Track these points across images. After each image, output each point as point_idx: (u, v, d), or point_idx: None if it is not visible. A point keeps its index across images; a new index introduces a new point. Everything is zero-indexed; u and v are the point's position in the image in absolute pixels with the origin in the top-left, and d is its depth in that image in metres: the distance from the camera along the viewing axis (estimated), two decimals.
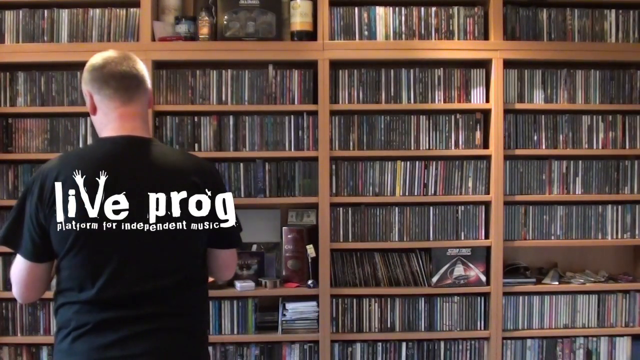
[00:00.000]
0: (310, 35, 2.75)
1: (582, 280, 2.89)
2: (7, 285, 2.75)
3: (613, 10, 2.85)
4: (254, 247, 2.88)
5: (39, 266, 1.52)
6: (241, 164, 2.79)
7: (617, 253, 3.06)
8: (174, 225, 1.48)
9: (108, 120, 1.55)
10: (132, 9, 2.74)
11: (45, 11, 2.74)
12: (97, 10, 2.75)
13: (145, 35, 2.71)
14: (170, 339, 1.48)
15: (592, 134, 2.87)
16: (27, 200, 1.49)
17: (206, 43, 2.73)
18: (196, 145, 2.77)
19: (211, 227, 1.54)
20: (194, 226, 1.51)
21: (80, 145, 2.74)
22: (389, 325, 2.81)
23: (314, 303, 2.75)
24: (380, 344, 2.80)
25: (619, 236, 2.88)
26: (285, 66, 2.80)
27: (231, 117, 2.77)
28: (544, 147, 2.85)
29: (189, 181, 1.50)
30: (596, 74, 2.86)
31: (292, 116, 2.78)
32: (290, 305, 2.75)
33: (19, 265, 1.54)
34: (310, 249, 2.74)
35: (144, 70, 1.59)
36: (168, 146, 1.65)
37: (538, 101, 2.85)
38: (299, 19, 2.74)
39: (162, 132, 2.75)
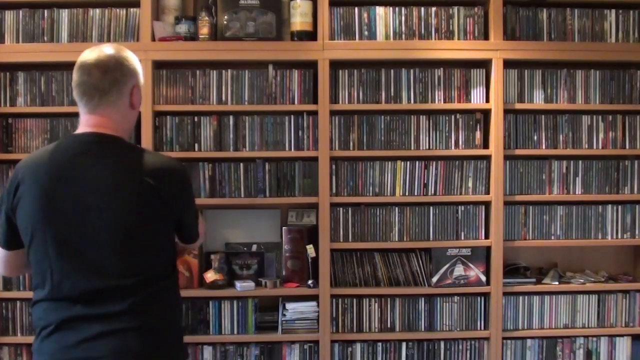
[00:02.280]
0: (310, 35, 2.75)
1: (582, 280, 2.89)
2: (7, 285, 2.76)
3: (613, 10, 2.85)
4: (254, 247, 2.88)
5: (10, 253, 1.62)
6: (241, 164, 2.79)
7: (617, 253, 3.06)
8: (126, 222, 1.48)
9: (80, 120, 1.60)
10: (132, 9, 2.74)
11: (45, 11, 2.75)
12: (97, 10, 2.75)
13: (145, 35, 2.71)
14: (132, 340, 1.47)
15: (592, 134, 2.87)
16: (4, 194, 1.58)
17: (206, 43, 2.73)
18: (196, 145, 2.77)
19: (165, 224, 1.57)
20: (147, 223, 1.51)
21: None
22: (389, 325, 2.81)
23: (314, 303, 2.75)
24: (380, 344, 2.80)
25: (619, 236, 2.88)
26: (285, 66, 2.80)
27: (231, 117, 2.77)
28: (544, 147, 2.85)
29: (143, 180, 1.50)
30: (596, 74, 2.86)
31: (292, 116, 2.78)
32: (290, 305, 2.75)
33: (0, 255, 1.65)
34: (310, 249, 2.74)
35: (117, 79, 1.56)
36: (135, 145, 1.67)
37: (538, 101, 2.85)
38: (299, 19, 2.74)
39: (162, 132, 2.76)
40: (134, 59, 1.63)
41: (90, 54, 1.57)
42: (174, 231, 1.65)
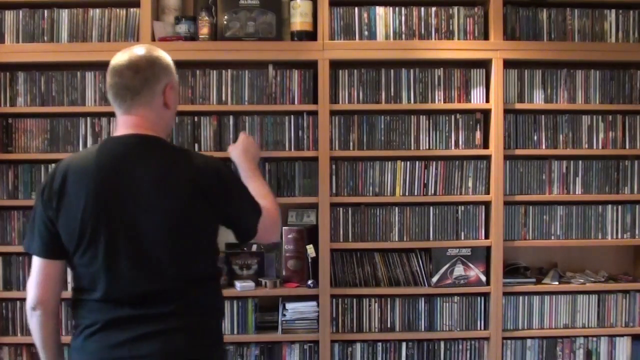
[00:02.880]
0: (310, 35, 2.75)
1: (582, 280, 2.89)
2: (7, 285, 2.76)
3: (613, 10, 2.85)
4: (254, 247, 2.88)
5: (48, 264, 1.54)
6: None
7: (617, 253, 3.06)
8: (177, 223, 1.48)
9: (117, 122, 1.60)
10: (132, 9, 2.74)
11: (45, 11, 2.74)
12: (97, 10, 2.75)
13: (145, 35, 2.71)
14: (178, 340, 1.48)
15: (592, 134, 2.87)
16: (38, 199, 1.53)
17: (206, 43, 2.73)
18: (196, 145, 2.77)
19: (212, 224, 1.56)
20: (195, 223, 1.51)
21: (81, 145, 2.74)
22: (389, 325, 2.81)
23: (314, 303, 2.75)
24: (380, 344, 2.80)
25: (619, 236, 2.88)
26: (285, 66, 2.80)
27: (231, 117, 2.77)
28: (544, 147, 2.85)
29: (191, 180, 1.50)
30: (596, 74, 2.86)
31: (292, 116, 2.78)
32: (290, 305, 2.75)
33: (34, 265, 1.55)
34: (310, 249, 2.74)
35: (149, 78, 1.55)
36: (176, 146, 1.66)
37: (538, 101, 2.85)
38: (299, 19, 2.74)
39: None
40: (166, 59, 1.61)
41: (122, 55, 1.57)
42: (218, 231, 1.62)
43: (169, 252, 1.48)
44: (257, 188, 1.84)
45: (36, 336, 1.59)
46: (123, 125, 1.57)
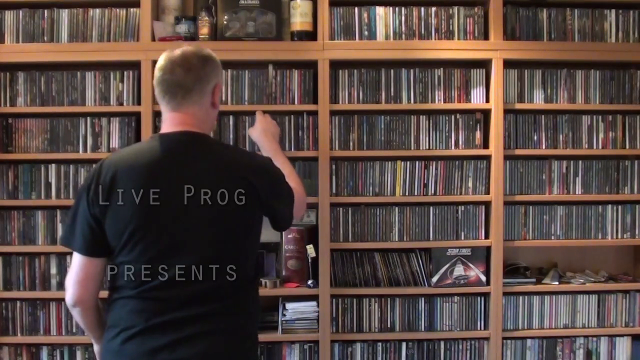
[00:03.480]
0: (310, 35, 2.75)
1: (582, 280, 2.89)
2: (7, 285, 2.76)
3: (613, 10, 2.85)
4: None
5: (88, 261, 1.53)
6: None
7: (617, 253, 3.06)
8: (229, 221, 1.47)
9: (164, 118, 1.60)
10: (132, 9, 2.74)
11: (45, 11, 2.75)
12: (97, 10, 2.75)
13: (145, 35, 2.71)
14: (219, 343, 1.47)
15: (592, 134, 2.87)
16: (82, 196, 1.51)
17: (206, 43, 2.73)
18: None
19: (260, 222, 1.57)
20: (246, 223, 1.50)
21: (81, 145, 2.75)
22: (389, 325, 2.81)
23: (314, 303, 2.75)
24: (380, 344, 2.80)
25: (619, 236, 2.88)
26: (285, 66, 2.80)
27: (231, 117, 2.77)
28: (544, 147, 2.85)
29: (243, 178, 1.49)
30: (596, 74, 2.86)
31: (292, 116, 2.78)
32: (290, 305, 2.75)
33: (74, 262, 1.55)
34: (310, 249, 2.74)
35: (201, 77, 1.57)
36: (223, 142, 1.67)
37: (538, 101, 2.85)
38: (299, 19, 2.74)
39: None
40: (216, 58, 1.63)
41: (173, 52, 1.59)
42: (261, 231, 1.62)
43: (217, 252, 1.47)
44: (282, 166, 1.86)
45: (80, 323, 1.62)
46: (172, 122, 1.57)
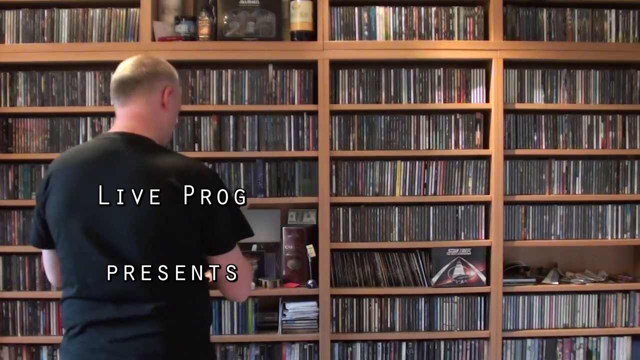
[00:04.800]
0: (310, 35, 2.75)
1: (582, 280, 2.89)
2: (7, 285, 2.76)
3: (613, 10, 2.85)
4: (254, 247, 2.88)
5: (49, 253, 1.64)
6: (241, 164, 2.79)
7: (617, 253, 3.06)
8: (150, 221, 1.46)
9: (115, 120, 1.63)
10: (132, 9, 2.74)
11: (45, 11, 2.75)
12: (97, 10, 2.75)
13: (145, 35, 2.71)
14: (158, 343, 1.46)
15: (592, 134, 2.87)
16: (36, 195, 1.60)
17: (206, 43, 2.73)
18: (196, 145, 2.77)
19: (190, 227, 1.51)
20: (172, 224, 1.48)
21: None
22: (389, 325, 2.81)
23: (314, 303, 2.75)
24: (380, 344, 2.80)
25: (619, 236, 2.88)
26: (285, 66, 2.80)
27: (231, 117, 2.77)
28: (544, 147, 2.85)
29: (166, 180, 1.47)
30: (596, 74, 2.86)
31: (292, 116, 2.78)
32: (290, 305, 2.75)
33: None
34: (310, 249, 2.74)
35: (150, 72, 1.60)
36: (161, 147, 1.63)
37: (538, 101, 2.85)
38: (299, 19, 2.74)
39: None
40: (170, 66, 1.67)
41: (130, 59, 1.64)
42: (197, 234, 1.55)
43: (142, 251, 1.46)
44: None
45: None
46: (117, 121, 1.61)
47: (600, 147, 2.87)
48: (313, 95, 2.78)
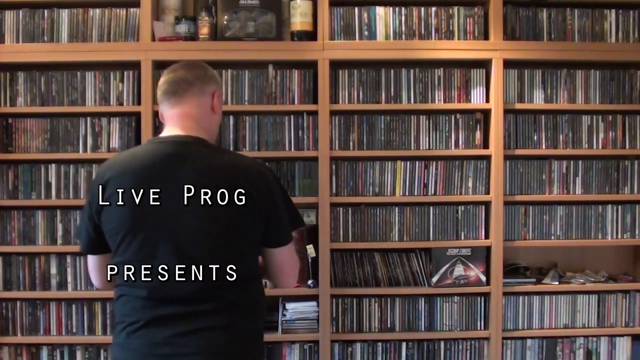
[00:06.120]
0: (310, 35, 2.75)
1: (582, 280, 2.89)
2: (7, 285, 2.76)
3: (613, 10, 2.85)
4: None
5: (97, 258, 1.65)
6: None
7: (617, 253, 3.06)
8: (220, 221, 1.49)
9: (165, 122, 1.64)
10: (132, 9, 2.74)
11: (45, 11, 2.75)
12: (97, 10, 2.75)
13: (145, 35, 2.71)
14: (220, 338, 1.49)
15: (592, 134, 2.87)
16: (87, 199, 1.60)
17: (206, 43, 2.73)
18: None
19: (254, 224, 1.55)
20: (240, 223, 1.51)
21: (81, 146, 2.75)
22: (389, 325, 2.81)
23: (314, 303, 2.75)
24: (380, 344, 2.80)
25: (619, 236, 2.88)
26: (285, 66, 2.80)
27: (231, 117, 2.77)
28: (544, 147, 2.85)
29: (233, 181, 1.50)
30: (596, 74, 2.86)
31: (292, 116, 2.78)
32: (290, 305, 2.75)
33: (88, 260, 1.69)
34: (310, 249, 2.74)
35: (202, 75, 1.64)
36: (218, 147, 1.67)
37: (538, 101, 2.85)
38: (299, 19, 2.74)
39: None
40: (214, 71, 1.70)
41: (177, 63, 1.68)
42: (260, 232, 1.59)
43: (212, 251, 1.49)
44: None
45: None
46: (170, 124, 1.61)
47: (600, 147, 2.87)
48: (313, 95, 2.78)
